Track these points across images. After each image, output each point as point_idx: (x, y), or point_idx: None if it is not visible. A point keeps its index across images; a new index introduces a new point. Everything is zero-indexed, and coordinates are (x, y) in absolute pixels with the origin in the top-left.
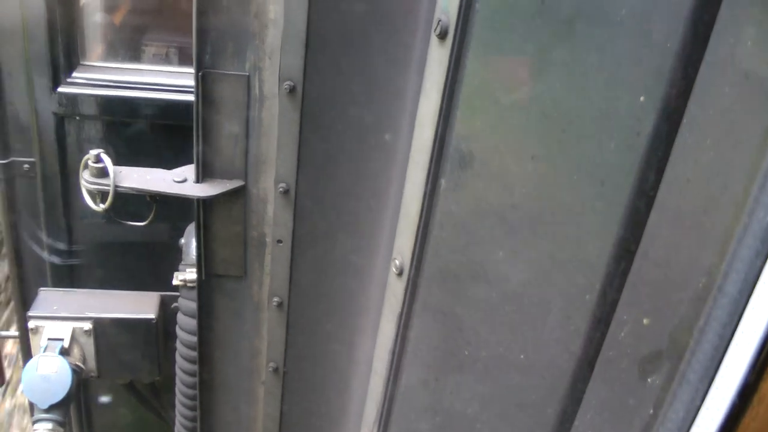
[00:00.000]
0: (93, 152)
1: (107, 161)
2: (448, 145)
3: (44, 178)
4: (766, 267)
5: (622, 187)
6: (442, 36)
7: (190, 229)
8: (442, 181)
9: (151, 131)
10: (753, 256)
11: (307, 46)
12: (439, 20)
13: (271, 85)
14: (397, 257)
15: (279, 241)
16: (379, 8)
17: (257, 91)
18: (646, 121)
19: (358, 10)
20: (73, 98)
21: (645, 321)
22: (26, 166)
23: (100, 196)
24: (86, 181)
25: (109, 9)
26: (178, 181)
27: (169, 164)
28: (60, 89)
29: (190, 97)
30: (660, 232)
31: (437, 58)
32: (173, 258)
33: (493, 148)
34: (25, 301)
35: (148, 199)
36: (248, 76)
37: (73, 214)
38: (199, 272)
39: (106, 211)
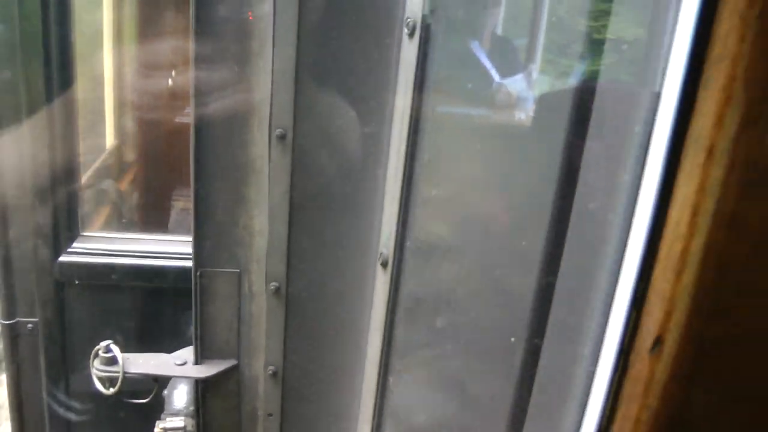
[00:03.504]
0: (103, 344)
1: (116, 350)
2: None
3: (46, 338)
4: None
5: None
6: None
7: (172, 382)
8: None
9: (145, 295)
10: None
11: (288, 254)
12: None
13: (259, 284)
14: None
15: (270, 415)
16: (352, 219)
17: (247, 289)
18: None
19: (328, 225)
20: (73, 266)
21: None
22: (30, 325)
23: (110, 381)
24: (97, 369)
25: (115, 177)
26: (179, 364)
27: (162, 324)
28: (61, 259)
29: (181, 263)
30: None
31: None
32: (160, 409)
33: None
34: None
35: (153, 381)
36: (239, 273)
37: (71, 369)
38: None
39: (114, 395)
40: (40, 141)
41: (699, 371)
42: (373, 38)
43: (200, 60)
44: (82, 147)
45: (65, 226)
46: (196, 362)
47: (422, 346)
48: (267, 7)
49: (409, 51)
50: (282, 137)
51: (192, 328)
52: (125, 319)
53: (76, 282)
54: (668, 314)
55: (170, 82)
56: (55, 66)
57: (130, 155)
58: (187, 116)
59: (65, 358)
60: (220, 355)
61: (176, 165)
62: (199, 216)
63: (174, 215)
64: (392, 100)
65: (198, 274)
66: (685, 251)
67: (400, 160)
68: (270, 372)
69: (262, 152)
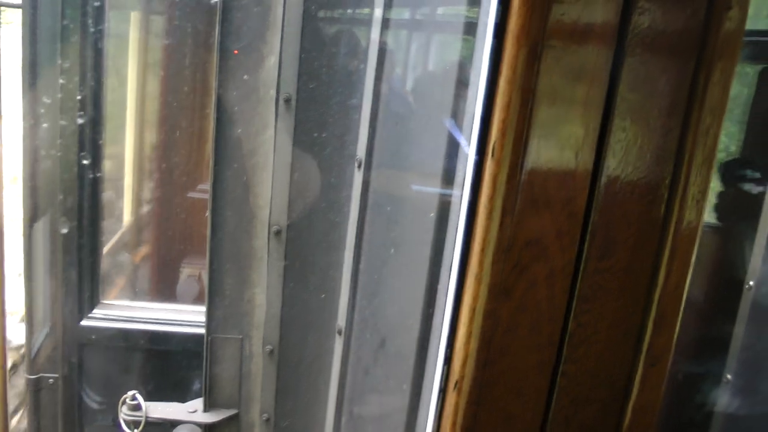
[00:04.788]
0: (130, 393)
1: (140, 399)
2: None
3: (65, 391)
4: None
5: None
6: None
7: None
8: None
9: (155, 356)
10: None
11: (281, 323)
12: None
13: (257, 347)
14: None
15: None
16: (326, 299)
17: (248, 350)
18: None
19: (310, 302)
20: (93, 330)
21: None
22: (51, 380)
23: (134, 424)
24: (124, 413)
25: (130, 250)
26: (191, 411)
27: (166, 381)
28: (82, 323)
29: (184, 329)
30: None
31: None
32: None
33: None
34: None
35: (170, 425)
36: (242, 339)
37: (85, 420)
38: None
39: None
40: (69, 218)
41: (480, 400)
42: (336, 167)
43: (217, 173)
44: (104, 223)
45: (88, 295)
46: (205, 410)
47: (361, 395)
48: (270, 132)
49: (357, 178)
50: (278, 233)
51: (196, 384)
52: (135, 376)
53: (94, 343)
54: (463, 366)
55: (181, 169)
56: (86, 154)
57: (144, 231)
58: (194, 193)
59: (81, 409)
60: (224, 405)
61: (184, 239)
62: (212, 292)
63: (181, 282)
64: (350, 213)
65: (209, 339)
66: (469, 332)
67: (351, 254)
68: (264, 418)
69: (263, 244)
